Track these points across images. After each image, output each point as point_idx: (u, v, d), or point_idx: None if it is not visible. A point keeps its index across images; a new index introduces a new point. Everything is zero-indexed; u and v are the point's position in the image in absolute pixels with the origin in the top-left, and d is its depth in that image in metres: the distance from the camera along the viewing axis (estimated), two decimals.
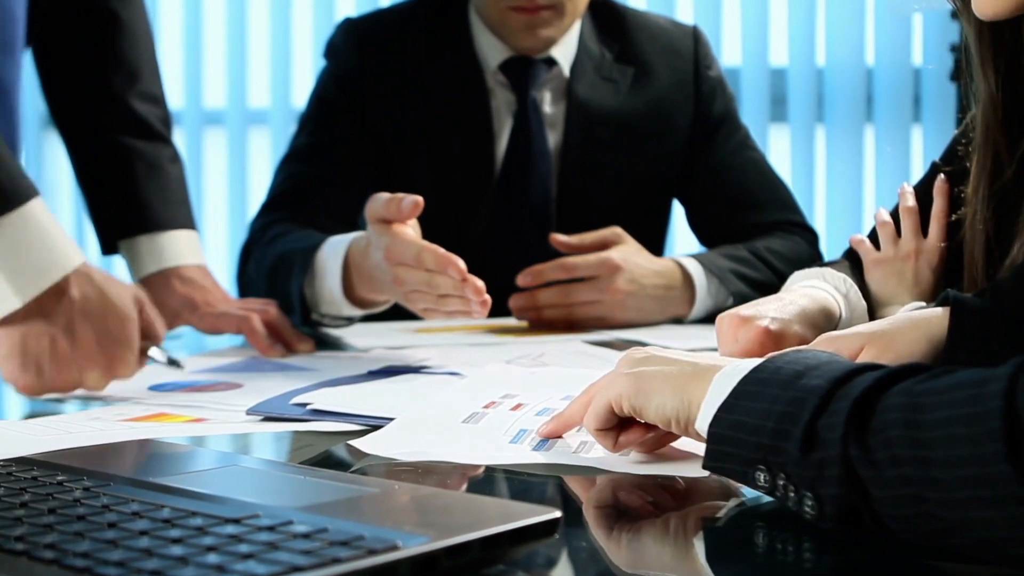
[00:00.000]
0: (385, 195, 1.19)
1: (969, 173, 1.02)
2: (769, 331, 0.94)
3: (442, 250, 1.13)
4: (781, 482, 0.61)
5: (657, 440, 0.77)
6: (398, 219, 1.18)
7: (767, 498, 0.67)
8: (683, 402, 0.70)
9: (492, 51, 1.61)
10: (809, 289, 1.06)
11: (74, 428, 0.85)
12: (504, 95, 1.62)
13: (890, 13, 2.59)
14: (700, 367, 0.71)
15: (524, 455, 0.78)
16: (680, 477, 0.74)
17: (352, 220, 1.62)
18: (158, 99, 1.46)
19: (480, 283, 1.10)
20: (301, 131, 1.65)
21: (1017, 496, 0.51)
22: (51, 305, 0.97)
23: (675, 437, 0.78)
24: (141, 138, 1.42)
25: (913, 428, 0.54)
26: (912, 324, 0.86)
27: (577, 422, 0.81)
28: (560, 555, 0.60)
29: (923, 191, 1.16)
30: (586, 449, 0.79)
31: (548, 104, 1.63)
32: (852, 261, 1.18)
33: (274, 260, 1.42)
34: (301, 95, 2.74)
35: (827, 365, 0.62)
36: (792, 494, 0.60)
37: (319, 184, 1.58)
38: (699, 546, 0.64)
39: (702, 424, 0.67)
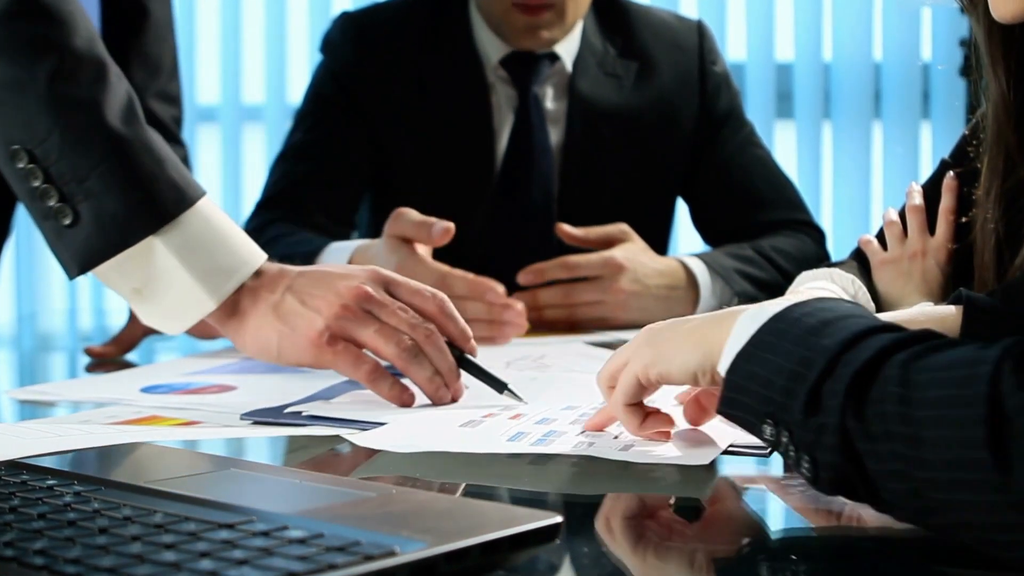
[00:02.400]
0: (413, 214, 1.17)
1: (979, 173, 1.01)
2: None
3: (472, 275, 1.10)
4: (784, 439, 0.61)
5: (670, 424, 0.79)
6: (426, 243, 1.16)
7: (769, 511, 0.67)
8: (706, 352, 0.70)
9: (492, 46, 1.60)
10: (817, 291, 1.05)
11: (64, 431, 0.83)
12: (505, 91, 1.60)
13: (898, 6, 2.58)
14: (719, 315, 0.71)
15: (523, 448, 0.78)
16: (679, 466, 0.74)
17: (349, 219, 1.61)
18: (174, 98, 1.47)
19: (520, 305, 1.07)
20: (297, 128, 1.64)
21: (993, 483, 0.52)
22: (249, 305, 0.94)
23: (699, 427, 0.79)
24: None
25: (907, 405, 0.55)
26: (925, 319, 0.86)
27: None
28: (561, 561, 0.59)
29: (932, 189, 1.15)
30: (584, 447, 0.78)
31: (550, 100, 1.62)
32: (860, 262, 1.17)
33: None
34: (296, 91, 2.73)
35: (842, 321, 0.62)
36: (792, 453, 0.61)
37: (315, 182, 1.57)
38: (701, 551, 0.63)
39: (723, 366, 0.67)
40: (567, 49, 1.62)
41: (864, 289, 1.10)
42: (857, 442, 0.57)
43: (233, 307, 0.94)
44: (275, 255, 1.42)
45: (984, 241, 1.00)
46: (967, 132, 1.11)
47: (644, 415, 0.77)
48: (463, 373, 0.94)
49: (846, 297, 1.07)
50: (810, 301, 0.66)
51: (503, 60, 1.60)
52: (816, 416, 0.59)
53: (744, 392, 0.64)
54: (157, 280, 0.92)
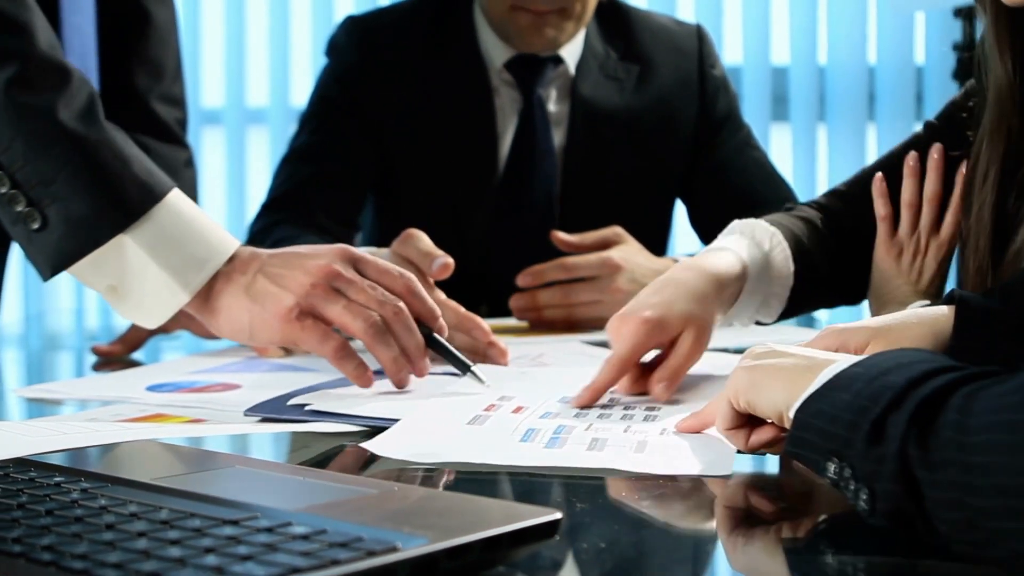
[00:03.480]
0: (422, 241, 1.18)
1: (964, 140, 1.00)
2: (648, 320, 0.95)
3: (463, 309, 1.11)
4: (847, 474, 0.60)
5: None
6: (426, 273, 1.17)
7: (775, 503, 0.67)
8: (792, 395, 0.68)
9: (497, 49, 1.61)
10: (703, 256, 1.04)
11: (71, 429, 0.84)
12: (509, 93, 1.61)
13: (892, 10, 2.59)
14: (814, 361, 0.69)
15: (538, 454, 0.78)
16: (682, 477, 0.73)
17: (353, 221, 1.62)
18: (178, 100, 1.48)
19: (504, 345, 1.09)
20: (301, 130, 1.64)
21: None
22: (223, 287, 0.95)
23: None
24: (158, 140, 1.43)
25: (962, 431, 0.53)
26: (918, 320, 0.86)
27: (714, 420, 0.80)
28: (562, 556, 0.59)
29: (908, 149, 1.14)
30: (599, 446, 0.78)
31: (553, 103, 1.63)
32: (835, 217, 1.15)
33: None
34: (300, 94, 2.73)
35: (914, 364, 0.60)
36: (851, 487, 0.59)
37: (320, 184, 1.58)
38: (699, 549, 0.63)
39: (794, 407, 0.66)
40: (570, 52, 1.63)
41: (784, 245, 1.08)
42: (916, 470, 0.55)
43: (207, 294, 0.95)
44: None
45: (980, 227, 1.00)
46: (957, 98, 1.11)
47: (748, 433, 0.75)
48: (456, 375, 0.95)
49: (748, 255, 1.05)
50: (889, 351, 0.65)
51: (507, 63, 1.60)
52: (878, 446, 0.57)
53: (810, 430, 0.63)
54: (131, 276, 0.94)
